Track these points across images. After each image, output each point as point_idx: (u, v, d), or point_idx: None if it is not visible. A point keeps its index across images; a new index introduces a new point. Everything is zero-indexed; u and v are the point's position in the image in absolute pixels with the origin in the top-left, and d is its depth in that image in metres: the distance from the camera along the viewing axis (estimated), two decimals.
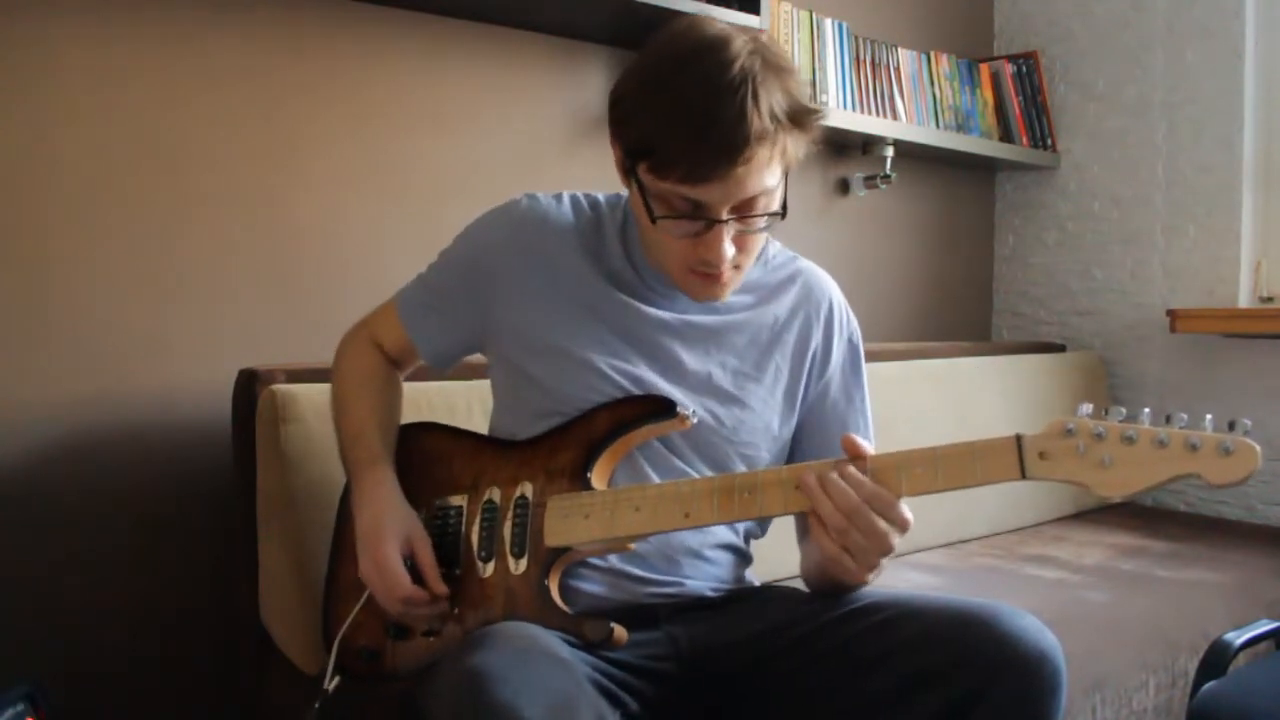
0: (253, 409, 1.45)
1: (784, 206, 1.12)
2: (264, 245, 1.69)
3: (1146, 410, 0.95)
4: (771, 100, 1.04)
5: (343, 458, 1.28)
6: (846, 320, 1.33)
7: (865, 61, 2.39)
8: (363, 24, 1.77)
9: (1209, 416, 0.93)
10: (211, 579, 1.60)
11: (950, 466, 1.00)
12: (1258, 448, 0.90)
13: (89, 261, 1.53)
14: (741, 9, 1.96)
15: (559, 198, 1.26)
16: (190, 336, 1.62)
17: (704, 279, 1.14)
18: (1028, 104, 2.74)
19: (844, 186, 2.56)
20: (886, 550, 1.02)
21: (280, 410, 1.42)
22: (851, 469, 1.02)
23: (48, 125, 1.49)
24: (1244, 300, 2.48)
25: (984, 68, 2.70)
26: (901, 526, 1.02)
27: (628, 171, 1.12)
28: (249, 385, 1.47)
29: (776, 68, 1.07)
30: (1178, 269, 2.58)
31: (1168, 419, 0.94)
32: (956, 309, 2.87)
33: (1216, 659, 1.36)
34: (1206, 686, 1.33)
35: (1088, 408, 0.97)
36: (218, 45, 1.63)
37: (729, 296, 1.22)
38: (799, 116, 1.08)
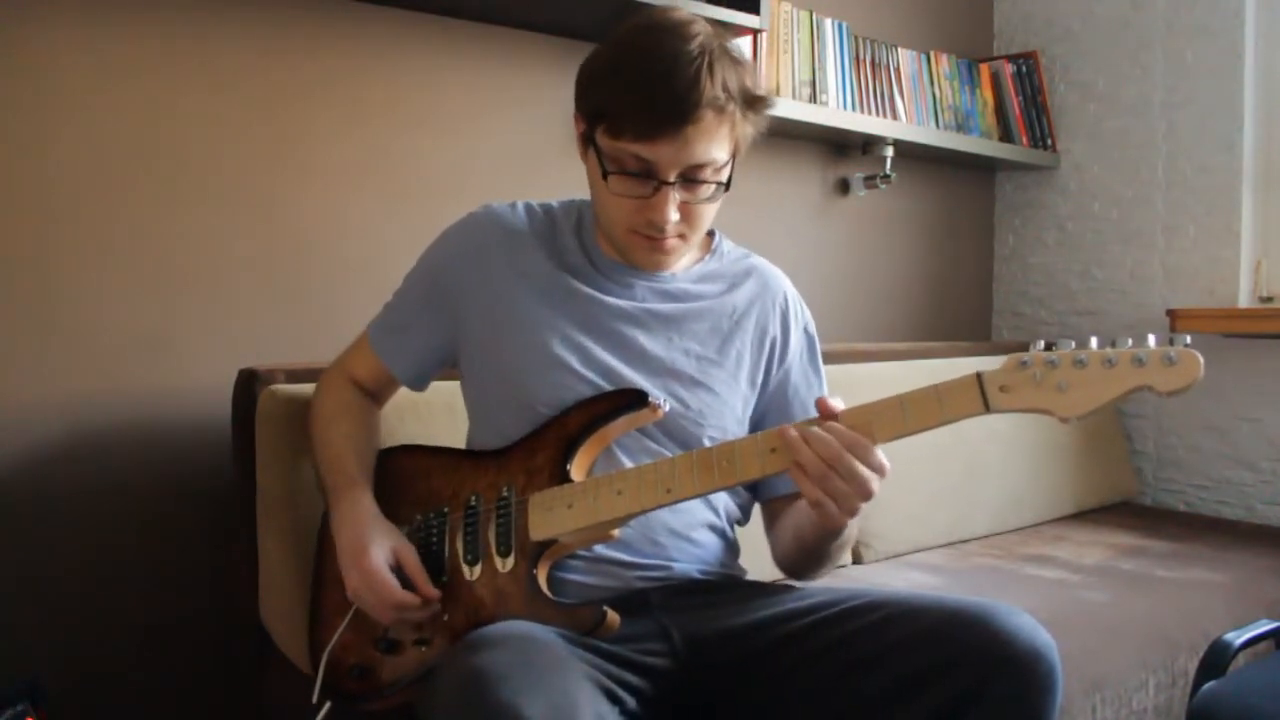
0: (253, 409, 1.45)
1: (728, 181, 1.18)
2: (264, 245, 1.69)
3: (1094, 338, 1.02)
4: (725, 75, 1.12)
5: (320, 487, 1.29)
6: (801, 311, 1.38)
7: (865, 61, 2.39)
8: (363, 24, 1.77)
9: (1152, 337, 1.00)
10: (211, 579, 1.60)
11: (917, 409, 1.05)
12: (1199, 356, 0.96)
13: (89, 261, 1.53)
14: (741, 9, 1.96)
15: (513, 205, 1.32)
16: (191, 336, 1.62)
17: (648, 243, 1.19)
18: (1028, 104, 2.74)
19: (844, 186, 2.56)
20: (867, 495, 1.04)
21: (280, 410, 1.42)
22: (830, 422, 1.06)
23: (48, 125, 1.50)
24: (1244, 300, 2.48)
25: (984, 68, 2.70)
26: (879, 471, 1.04)
27: (587, 140, 1.18)
28: (249, 385, 1.47)
29: (732, 57, 1.15)
30: (1178, 269, 2.58)
31: (1113, 344, 1.01)
32: (956, 309, 2.87)
33: (1216, 659, 1.36)
34: (1206, 686, 1.33)
35: (1040, 343, 1.03)
36: (218, 45, 1.63)
37: (685, 283, 1.28)
38: (750, 99, 1.16)
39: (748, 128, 1.17)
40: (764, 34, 2.08)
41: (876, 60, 2.42)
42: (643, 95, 1.10)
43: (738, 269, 1.34)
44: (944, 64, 2.58)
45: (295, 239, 1.72)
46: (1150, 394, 0.98)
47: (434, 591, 1.15)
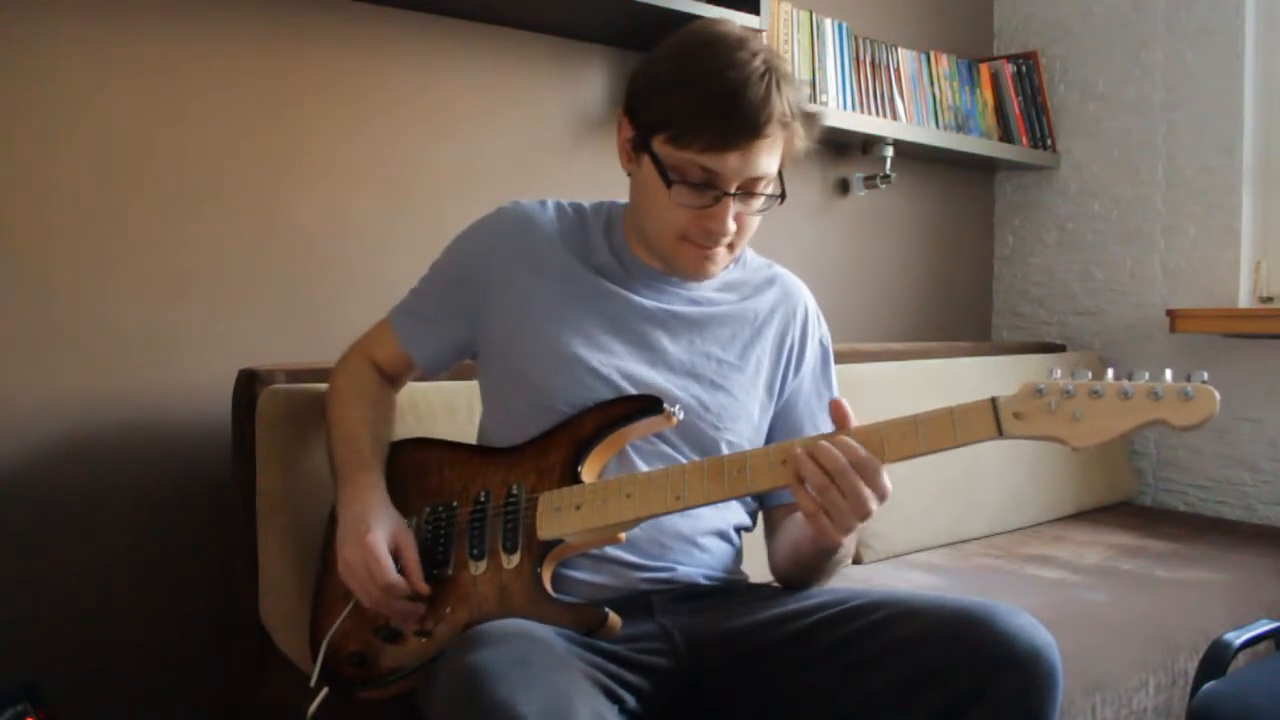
0: (253, 409, 1.45)
1: (783, 193, 1.21)
2: (265, 245, 1.69)
3: (1111, 369, 1.02)
4: (788, 92, 1.16)
5: (331, 467, 1.29)
6: (818, 323, 1.39)
7: (865, 61, 2.39)
8: (363, 24, 1.77)
9: (1169, 370, 0.99)
10: (211, 579, 1.60)
11: (931, 431, 1.04)
12: (1216, 393, 0.95)
13: (90, 261, 1.53)
14: (741, 9, 1.96)
15: (543, 202, 1.32)
16: (190, 336, 1.62)
17: (697, 251, 1.21)
18: (1027, 104, 2.74)
19: (844, 186, 2.56)
20: (865, 514, 1.04)
21: (280, 410, 1.42)
22: (841, 437, 1.05)
23: (49, 125, 1.50)
24: (1244, 300, 2.48)
25: (984, 68, 2.70)
26: (880, 494, 1.04)
27: (639, 147, 1.19)
28: (249, 385, 1.47)
29: (788, 73, 1.19)
30: (1178, 269, 2.58)
31: (1130, 376, 1.00)
32: (956, 309, 2.87)
33: (1216, 659, 1.36)
34: (1206, 686, 1.33)
35: (1057, 371, 1.03)
36: (218, 45, 1.63)
37: (709, 290, 1.29)
38: (807, 116, 1.20)
39: (800, 144, 1.21)
40: (764, 34, 2.08)
41: (876, 60, 2.42)
42: (716, 108, 1.12)
43: (760, 278, 1.36)
44: (944, 64, 2.58)
45: (296, 239, 1.72)
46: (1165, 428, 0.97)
47: (424, 586, 1.15)
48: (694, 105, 1.13)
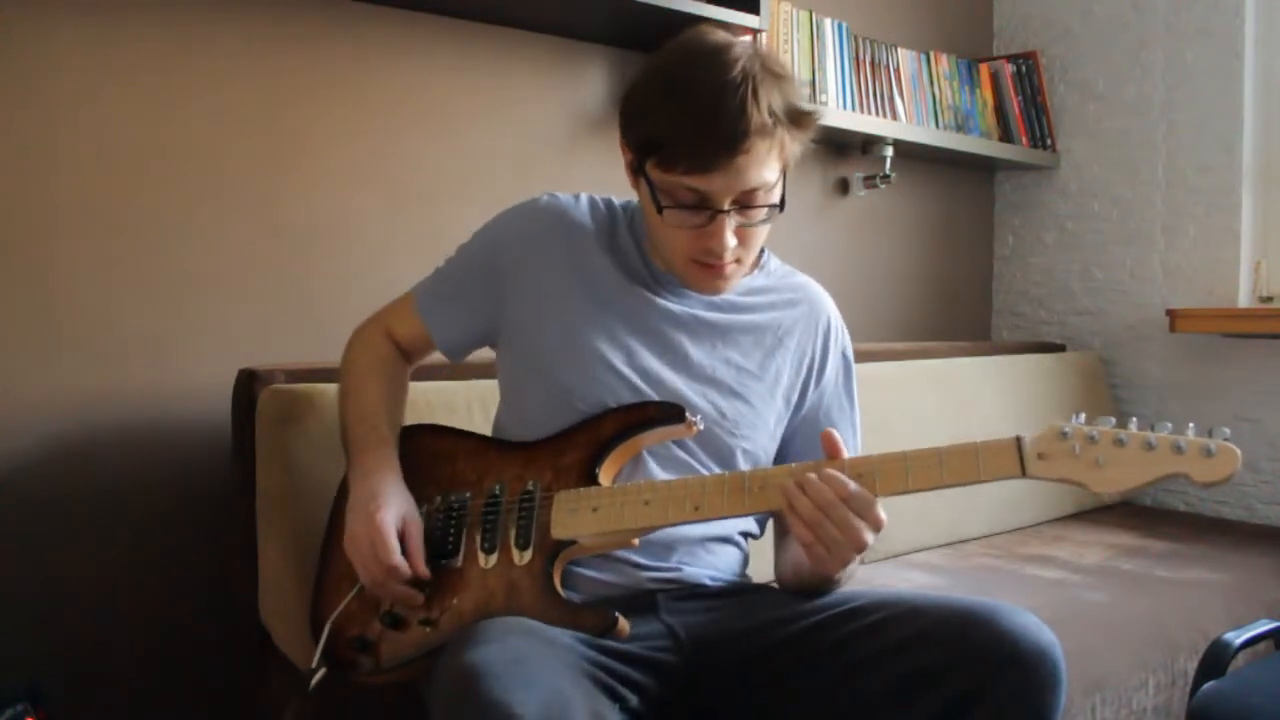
0: (253, 409, 1.45)
1: (782, 201, 1.17)
2: (265, 245, 1.69)
3: (1134, 419, 1.04)
4: (770, 99, 1.11)
5: (344, 440, 1.28)
6: (841, 335, 1.37)
7: (865, 61, 2.39)
8: (363, 24, 1.77)
9: (1191, 425, 1.02)
10: (211, 579, 1.60)
11: (954, 465, 1.05)
12: (1238, 451, 0.99)
13: (90, 261, 1.53)
14: (741, 9, 1.96)
15: (577, 197, 1.31)
16: (190, 336, 1.62)
17: (706, 270, 1.19)
18: (1027, 104, 2.74)
19: (844, 186, 2.56)
20: (860, 545, 1.05)
21: (280, 410, 1.42)
22: (829, 470, 1.06)
23: (49, 125, 1.50)
24: (1243, 300, 2.48)
25: (984, 68, 2.70)
26: (875, 525, 1.05)
27: (637, 170, 1.18)
28: (249, 385, 1.47)
29: (774, 73, 1.14)
30: (1177, 269, 2.58)
31: (1152, 427, 1.03)
32: (956, 309, 2.87)
33: (1216, 659, 1.36)
34: (1206, 686, 1.33)
35: (1081, 417, 1.05)
36: (218, 45, 1.63)
37: (734, 295, 1.28)
38: (796, 116, 1.15)
39: (795, 146, 1.17)
40: (764, 34, 2.08)
41: (876, 60, 2.42)
42: (691, 130, 1.10)
43: (784, 286, 1.34)
44: (944, 64, 2.58)
45: (296, 239, 1.72)
46: (1185, 481, 1.00)
47: (425, 571, 1.15)
48: (670, 126, 1.11)
